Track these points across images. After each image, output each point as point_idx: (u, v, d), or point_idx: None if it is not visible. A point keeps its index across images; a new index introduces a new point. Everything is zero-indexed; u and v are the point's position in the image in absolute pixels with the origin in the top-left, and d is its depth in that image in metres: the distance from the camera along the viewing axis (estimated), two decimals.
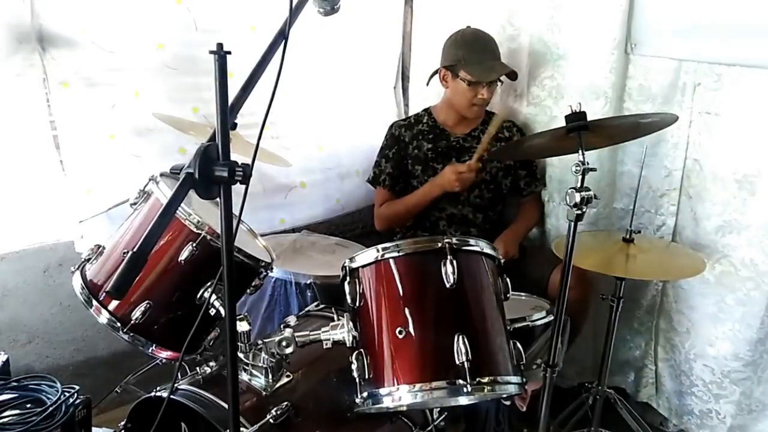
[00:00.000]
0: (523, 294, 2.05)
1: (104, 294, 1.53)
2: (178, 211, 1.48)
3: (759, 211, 1.91)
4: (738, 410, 2.08)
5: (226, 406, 1.35)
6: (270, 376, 1.48)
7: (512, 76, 2.33)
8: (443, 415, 1.62)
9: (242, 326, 1.46)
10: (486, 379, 1.32)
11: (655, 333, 2.32)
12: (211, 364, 1.53)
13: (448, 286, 1.34)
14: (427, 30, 2.85)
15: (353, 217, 2.91)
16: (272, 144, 2.54)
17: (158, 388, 1.47)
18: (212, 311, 1.46)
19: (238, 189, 0.97)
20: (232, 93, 0.99)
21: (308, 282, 2.02)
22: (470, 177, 2.25)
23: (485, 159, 2.36)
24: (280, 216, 2.67)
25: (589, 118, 1.59)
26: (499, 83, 2.35)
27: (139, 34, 2.12)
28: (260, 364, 1.47)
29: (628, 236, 1.95)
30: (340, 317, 1.45)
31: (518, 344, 1.43)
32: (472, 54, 2.28)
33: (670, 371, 2.30)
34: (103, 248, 1.62)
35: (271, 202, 2.62)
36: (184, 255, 1.48)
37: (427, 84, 2.46)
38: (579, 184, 1.50)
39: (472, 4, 2.60)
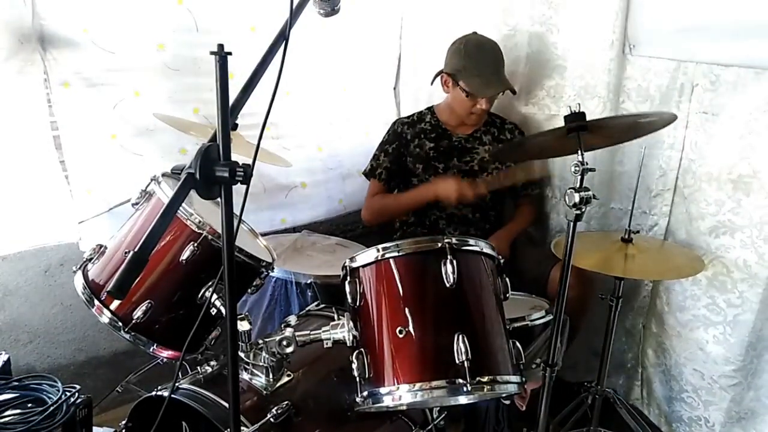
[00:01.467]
0: (522, 293, 2.06)
1: (106, 294, 1.54)
2: (179, 211, 1.49)
3: (753, 212, 1.91)
4: (727, 418, 2.06)
5: (226, 405, 1.36)
6: (270, 376, 1.48)
7: (512, 91, 2.33)
8: (443, 415, 1.62)
9: (243, 326, 1.46)
10: (486, 379, 1.32)
11: (645, 335, 2.31)
12: (212, 363, 1.53)
13: (448, 285, 1.34)
14: (426, 29, 2.85)
15: (354, 217, 2.91)
16: (272, 144, 2.55)
17: (159, 388, 1.47)
18: (213, 311, 1.47)
19: (238, 189, 0.97)
20: (233, 94, 0.99)
21: (309, 282, 2.02)
22: (468, 196, 2.22)
23: (487, 161, 2.39)
24: (281, 216, 2.68)
25: (587, 117, 1.59)
26: (501, 93, 2.35)
27: (140, 35, 2.12)
28: (261, 364, 1.48)
29: (626, 236, 1.96)
30: (341, 317, 1.45)
31: (518, 344, 1.44)
32: (473, 66, 2.26)
33: (661, 376, 2.29)
34: (105, 248, 1.63)
35: (272, 202, 2.63)
36: (185, 255, 1.49)
37: (432, 83, 2.46)
38: (578, 184, 1.51)
39: (470, 4, 2.61)
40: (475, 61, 2.27)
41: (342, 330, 1.42)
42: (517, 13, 2.46)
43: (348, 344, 1.41)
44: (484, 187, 2.26)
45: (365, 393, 1.36)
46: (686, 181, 2.09)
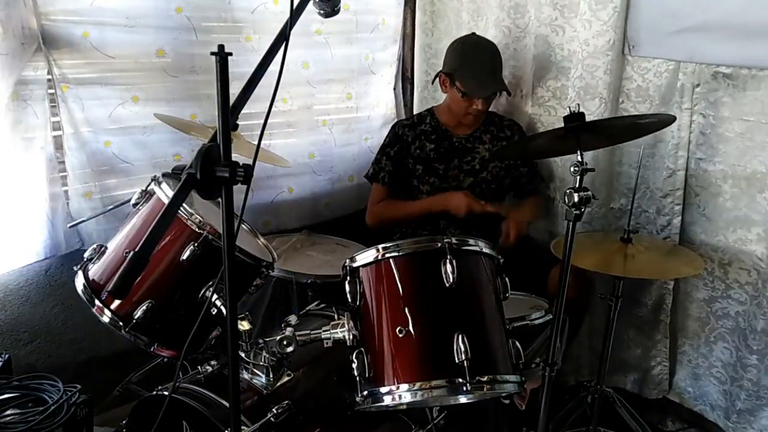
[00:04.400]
0: (522, 293, 2.06)
1: (106, 293, 1.54)
2: (179, 211, 1.49)
3: (765, 209, 1.96)
4: (747, 396, 2.13)
5: (227, 404, 1.36)
6: (271, 375, 1.49)
7: (507, 92, 2.33)
8: (443, 414, 1.62)
9: (243, 325, 1.47)
10: (485, 378, 1.33)
11: (665, 329, 2.34)
12: (213, 363, 1.54)
13: (447, 285, 1.35)
14: (434, 31, 2.86)
15: (341, 221, 2.88)
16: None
17: (160, 387, 1.48)
18: (213, 311, 1.47)
19: (238, 190, 0.98)
20: (232, 98, 1.00)
21: (309, 282, 2.03)
22: (476, 210, 2.25)
23: (488, 159, 2.39)
24: (264, 218, 2.65)
25: (588, 119, 1.59)
26: (498, 94, 2.35)
27: (140, 41, 2.12)
28: (261, 363, 1.49)
29: (626, 236, 1.97)
30: (341, 316, 1.46)
31: (517, 343, 1.44)
32: (469, 66, 2.27)
33: (681, 358, 2.35)
34: (106, 248, 1.63)
35: (257, 206, 2.60)
36: (185, 255, 1.49)
37: (432, 83, 2.45)
38: (577, 185, 1.51)
39: (479, 5, 2.62)
40: (472, 61, 2.27)
41: (342, 329, 1.42)
42: (527, 15, 2.47)
43: (348, 344, 1.41)
44: (492, 208, 2.27)
45: (365, 392, 1.36)
46: (696, 180, 2.13)
